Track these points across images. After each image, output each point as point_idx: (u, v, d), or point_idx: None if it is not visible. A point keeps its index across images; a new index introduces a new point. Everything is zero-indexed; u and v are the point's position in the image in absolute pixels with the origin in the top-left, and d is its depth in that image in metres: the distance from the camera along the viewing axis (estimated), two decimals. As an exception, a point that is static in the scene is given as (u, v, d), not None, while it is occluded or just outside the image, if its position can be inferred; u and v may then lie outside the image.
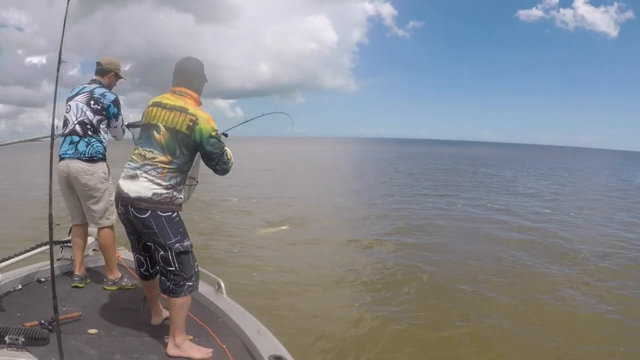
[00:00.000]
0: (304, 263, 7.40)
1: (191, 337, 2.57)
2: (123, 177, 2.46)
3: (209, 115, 2.47)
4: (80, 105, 3.26)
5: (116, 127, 3.40)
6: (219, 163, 2.52)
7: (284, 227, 9.78)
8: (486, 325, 5.10)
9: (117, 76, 3.49)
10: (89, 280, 3.41)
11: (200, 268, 3.31)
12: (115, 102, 3.34)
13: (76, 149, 3.21)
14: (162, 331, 2.65)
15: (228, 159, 2.56)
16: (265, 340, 2.43)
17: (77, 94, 3.31)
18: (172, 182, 2.41)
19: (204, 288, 3.21)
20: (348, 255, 7.98)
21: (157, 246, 2.41)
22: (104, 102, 3.30)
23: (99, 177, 3.27)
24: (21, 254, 3.25)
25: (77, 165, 3.20)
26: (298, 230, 9.68)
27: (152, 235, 2.39)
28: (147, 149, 2.41)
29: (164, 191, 2.38)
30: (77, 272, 3.37)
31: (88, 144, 3.23)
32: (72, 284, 3.30)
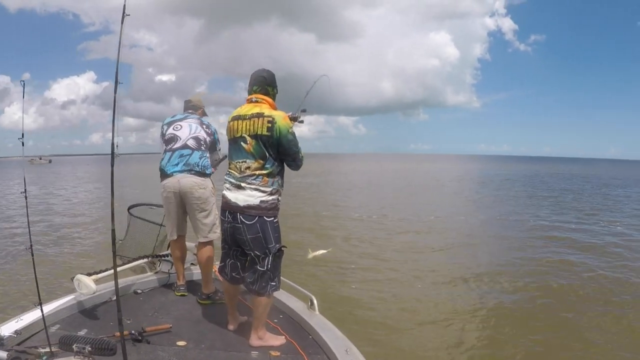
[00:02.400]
0: (418, 283, 6.94)
1: (278, 354, 2.53)
2: (227, 188, 2.63)
3: (284, 113, 2.61)
4: (194, 125, 3.51)
5: (219, 150, 3.61)
6: (295, 160, 2.64)
7: (398, 246, 9.58)
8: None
9: (204, 113, 3.78)
10: (185, 294, 3.45)
11: (293, 284, 3.22)
12: (216, 132, 3.63)
13: (187, 162, 3.32)
14: (250, 346, 2.61)
15: (302, 156, 2.67)
16: None
17: (184, 119, 3.56)
18: (275, 186, 2.58)
19: (296, 304, 3.13)
20: (464, 279, 7.22)
21: (257, 250, 2.55)
22: (212, 128, 3.60)
23: (210, 190, 3.39)
24: (119, 266, 3.37)
25: (190, 180, 3.30)
26: (413, 250, 9.31)
27: (256, 240, 2.54)
28: (240, 160, 2.57)
29: (270, 197, 2.55)
30: (181, 282, 3.51)
31: (201, 157, 3.39)
32: (178, 293, 3.44)
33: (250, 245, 2.56)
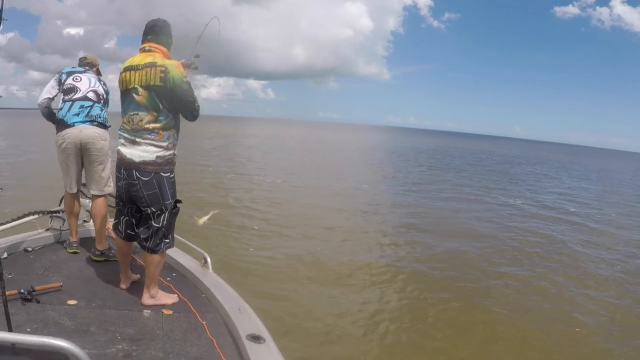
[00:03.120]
0: (309, 244, 7.35)
1: (170, 312, 2.58)
2: (122, 143, 2.57)
3: (177, 61, 2.56)
4: (93, 79, 3.48)
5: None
6: (192, 110, 2.60)
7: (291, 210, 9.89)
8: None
9: (99, 72, 3.70)
10: (78, 251, 3.40)
11: (186, 241, 3.27)
12: (109, 93, 3.60)
13: (89, 113, 3.28)
14: (142, 305, 2.63)
15: (198, 105, 2.62)
16: (246, 319, 2.38)
17: (83, 72, 3.50)
18: (171, 140, 2.56)
19: (189, 262, 3.18)
20: (358, 240, 7.83)
21: (154, 206, 2.55)
22: (107, 87, 3.57)
23: (110, 142, 3.37)
24: (7, 222, 3.22)
25: (93, 131, 3.28)
26: (315, 216, 9.66)
27: (153, 196, 2.53)
28: (132, 113, 2.51)
29: (166, 152, 2.54)
30: (74, 239, 3.46)
31: (102, 109, 3.39)
32: (70, 251, 3.39)
33: (147, 202, 2.55)
